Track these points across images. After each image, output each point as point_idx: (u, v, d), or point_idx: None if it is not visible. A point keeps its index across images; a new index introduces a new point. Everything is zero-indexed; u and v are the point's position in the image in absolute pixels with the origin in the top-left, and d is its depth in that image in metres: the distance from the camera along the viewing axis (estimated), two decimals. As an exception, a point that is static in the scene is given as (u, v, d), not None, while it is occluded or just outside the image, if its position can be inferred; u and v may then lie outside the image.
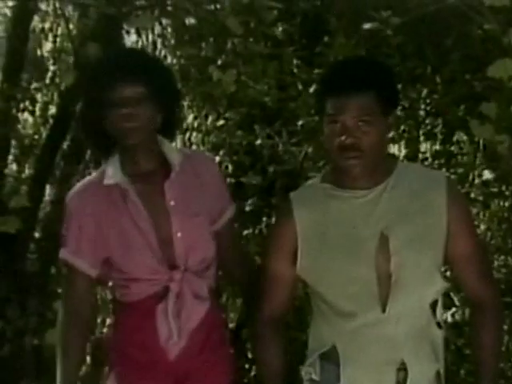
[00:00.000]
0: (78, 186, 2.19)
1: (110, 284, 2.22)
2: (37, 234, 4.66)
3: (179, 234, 2.08)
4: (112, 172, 2.08)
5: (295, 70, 4.26)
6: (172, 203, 2.09)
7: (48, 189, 4.85)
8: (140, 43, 5.74)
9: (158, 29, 5.25)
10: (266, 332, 2.11)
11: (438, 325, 2.04)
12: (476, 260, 2.05)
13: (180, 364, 2.12)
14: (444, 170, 4.42)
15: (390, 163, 2.05)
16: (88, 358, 4.81)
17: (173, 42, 5.17)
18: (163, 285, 2.10)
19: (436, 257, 2.00)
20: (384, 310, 1.96)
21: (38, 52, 5.48)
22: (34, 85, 5.31)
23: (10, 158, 5.07)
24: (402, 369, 1.97)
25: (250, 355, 4.59)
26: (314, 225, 2.00)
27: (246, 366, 4.57)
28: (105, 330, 4.95)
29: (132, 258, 2.07)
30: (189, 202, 2.12)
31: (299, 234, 2.02)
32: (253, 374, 4.60)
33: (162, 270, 2.09)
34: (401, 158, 4.81)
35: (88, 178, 2.22)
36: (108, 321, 5.21)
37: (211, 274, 2.19)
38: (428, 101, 4.40)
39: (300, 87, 4.16)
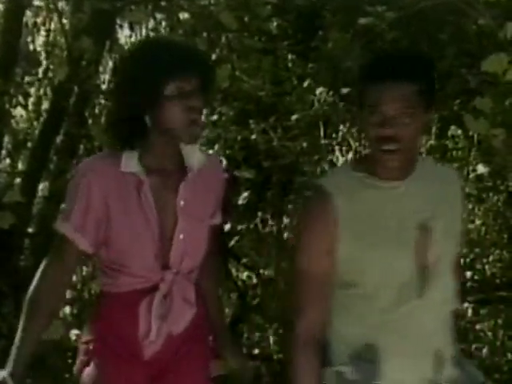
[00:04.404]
0: (92, 163, 2.09)
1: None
2: (31, 230, 4.65)
3: (181, 236, 2.06)
4: (129, 160, 2.02)
5: (290, 65, 4.26)
6: (181, 203, 2.06)
7: (41, 184, 4.83)
8: (133, 38, 5.72)
9: (151, 23, 5.23)
10: (306, 345, 1.95)
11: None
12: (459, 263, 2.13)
13: (155, 363, 2.10)
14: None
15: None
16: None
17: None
18: (152, 283, 2.07)
19: (457, 249, 2.05)
20: (421, 301, 1.94)
21: (31, 46, 5.46)
22: (27, 79, 5.29)
23: (3, 152, 5.05)
24: (439, 356, 1.97)
25: (244, 350, 4.59)
26: (354, 215, 1.93)
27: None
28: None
29: (133, 247, 2.04)
30: (196, 206, 2.09)
31: (340, 225, 1.93)
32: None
33: (156, 269, 2.06)
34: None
35: (101, 158, 2.12)
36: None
37: (195, 275, 2.17)
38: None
39: (295, 82, 4.16)
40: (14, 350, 2.04)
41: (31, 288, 2.08)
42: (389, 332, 1.93)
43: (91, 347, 2.13)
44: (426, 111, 1.92)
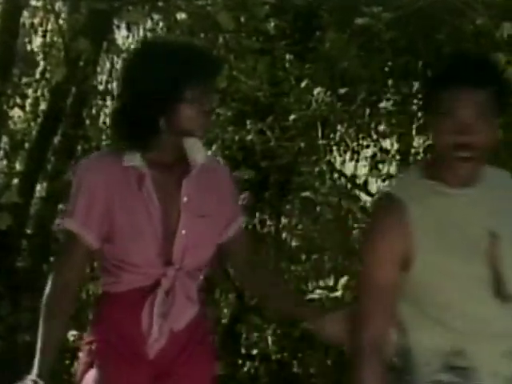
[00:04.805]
0: (94, 160, 2.13)
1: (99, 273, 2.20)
2: (28, 231, 4.64)
3: (183, 232, 2.06)
4: (131, 156, 2.05)
5: (287, 65, 4.25)
6: (185, 199, 2.07)
7: (39, 185, 4.83)
8: (130, 38, 5.72)
9: (148, 24, 5.24)
10: (371, 356, 1.94)
11: None
12: None
13: (160, 362, 2.10)
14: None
15: None
16: (81, 355, 4.81)
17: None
18: (155, 279, 2.07)
19: None
20: (497, 305, 1.92)
21: (28, 47, 5.46)
22: (25, 80, 5.29)
23: (1, 153, 5.05)
24: None
25: (243, 351, 4.59)
26: (428, 224, 1.90)
27: (240, 361, 4.57)
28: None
29: (135, 243, 2.04)
30: (200, 202, 2.10)
31: (414, 234, 1.89)
32: (245, 369, 4.60)
33: (158, 264, 2.06)
34: (393, 152, 4.82)
35: (103, 155, 2.16)
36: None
37: (201, 275, 2.17)
38: (420, 96, 4.40)
39: (292, 82, 4.16)
40: (38, 356, 2.04)
41: (46, 291, 2.09)
42: (471, 337, 1.91)
43: (93, 348, 2.12)
44: (498, 115, 1.88)
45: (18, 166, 5.16)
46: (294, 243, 5.00)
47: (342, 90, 4.26)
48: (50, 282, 2.10)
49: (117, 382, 2.09)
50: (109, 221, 2.05)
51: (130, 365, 2.08)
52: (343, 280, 3.80)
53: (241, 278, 2.38)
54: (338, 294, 4.06)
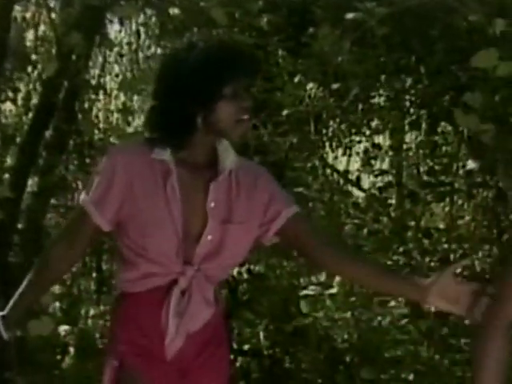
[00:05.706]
0: (124, 146, 2.21)
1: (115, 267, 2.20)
2: (20, 226, 4.64)
3: (209, 237, 2.06)
4: (161, 150, 2.05)
5: (280, 61, 4.25)
6: (212, 204, 2.06)
7: (30, 179, 4.82)
8: (123, 33, 5.71)
9: (141, 18, 5.23)
10: (503, 335, 1.94)
11: None
12: None
13: (177, 363, 2.10)
14: (428, 160, 4.45)
15: None
16: (72, 350, 4.81)
17: (157, 31, 5.15)
18: (173, 277, 2.07)
19: None
20: None
21: (20, 41, 5.45)
22: (16, 74, 5.28)
23: (-8, 148, 5.04)
24: None
25: (235, 346, 4.60)
26: None
27: (232, 356, 4.58)
28: (89, 321, 4.94)
29: (154, 235, 2.04)
30: (228, 208, 2.09)
31: None
32: (237, 364, 4.61)
33: (177, 262, 2.06)
34: (386, 148, 4.83)
35: (134, 144, 2.17)
36: (92, 312, 5.20)
37: (220, 279, 2.18)
38: (413, 91, 4.41)
39: (285, 77, 4.15)
40: (14, 296, 2.10)
41: (44, 250, 2.17)
42: None
43: (116, 348, 2.11)
44: None
45: (9, 161, 5.15)
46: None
47: (335, 86, 4.26)
48: (48, 244, 2.12)
49: (139, 380, 2.07)
50: (128, 206, 2.04)
51: (152, 364, 2.07)
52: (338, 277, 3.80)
53: (325, 265, 2.28)
54: (334, 290, 4.07)
